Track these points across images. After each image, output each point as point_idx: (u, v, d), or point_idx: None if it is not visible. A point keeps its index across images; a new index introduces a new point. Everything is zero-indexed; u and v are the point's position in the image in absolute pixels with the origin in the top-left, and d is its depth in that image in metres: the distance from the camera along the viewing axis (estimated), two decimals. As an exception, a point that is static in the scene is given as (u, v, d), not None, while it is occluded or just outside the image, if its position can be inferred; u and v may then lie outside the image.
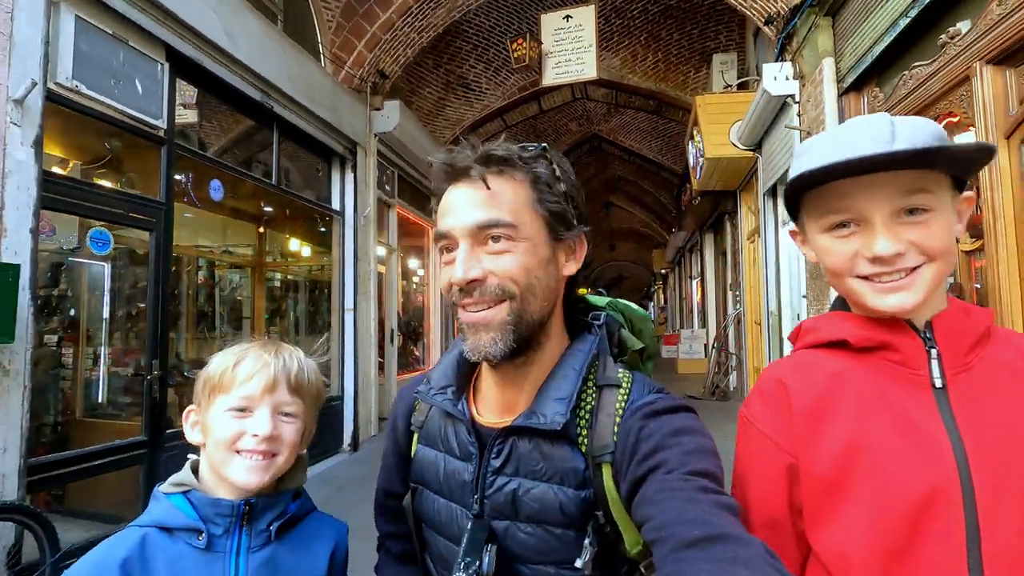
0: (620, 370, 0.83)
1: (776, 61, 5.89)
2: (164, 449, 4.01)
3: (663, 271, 24.00)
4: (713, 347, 10.34)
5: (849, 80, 4.86)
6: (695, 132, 8.25)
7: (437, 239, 0.81)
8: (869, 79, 4.69)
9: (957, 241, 0.77)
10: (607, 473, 0.76)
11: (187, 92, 4.52)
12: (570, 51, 7.15)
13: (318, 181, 6.75)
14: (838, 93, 5.06)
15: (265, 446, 0.87)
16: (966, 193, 0.77)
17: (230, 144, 5.46)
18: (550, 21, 7.21)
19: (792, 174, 0.77)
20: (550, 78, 7.22)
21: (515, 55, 7.18)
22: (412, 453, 0.93)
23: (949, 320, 0.77)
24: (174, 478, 0.91)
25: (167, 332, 4.11)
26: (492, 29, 8.85)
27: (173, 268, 4.32)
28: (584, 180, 16.90)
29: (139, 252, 4.29)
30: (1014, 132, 3.05)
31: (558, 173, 0.82)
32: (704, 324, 13.66)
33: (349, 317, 6.81)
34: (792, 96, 5.72)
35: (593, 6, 7.19)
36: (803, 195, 0.80)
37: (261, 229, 6.61)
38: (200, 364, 4.37)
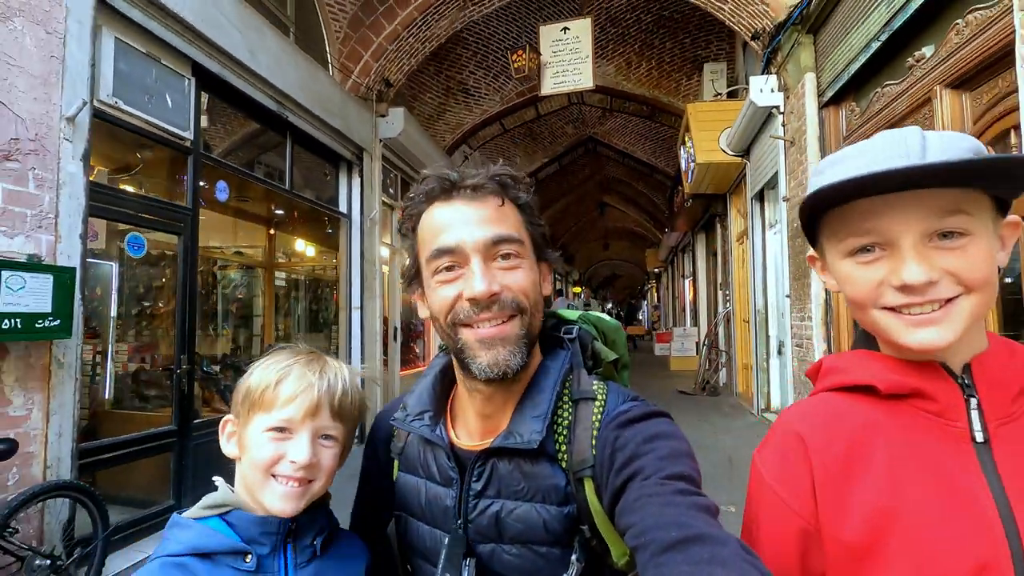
0: (595, 382, 0.83)
1: (762, 74, 6.24)
2: (192, 438, 4.31)
3: (656, 270, 24.39)
4: (704, 344, 10.71)
5: (829, 94, 5.21)
6: (687, 138, 8.60)
7: (435, 256, 0.78)
8: (847, 94, 5.05)
9: (1000, 271, 0.70)
10: (589, 487, 0.76)
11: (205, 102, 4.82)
12: (568, 61, 7.49)
13: (327, 185, 7.05)
14: (819, 106, 5.42)
15: (303, 473, 0.83)
16: (1011, 217, 0.68)
17: (239, 147, 5.76)
18: (548, 33, 7.55)
19: (811, 190, 0.69)
20: (549, 87, 7.55)
21: (515, 65, 7.51)
22: (394, 480, 0.92)
23: (992, 362, 0.68)
24: (207, 500, 0.86)
25: (194, 329, 4.41)
26: (491, 37, 9.16)
27: (200, 268, 4.62)
28: (579, 181, 17.25)
29: (166, 254, 4.59)
30: (968, 150, 3.40)
31: (535, 203, 0.85)
32: (696, 322, 14.05)
33: (356, 315, 7.13)
34: (777, 107, 6.08)
35: (590, 19, 7.53)
36: (823, 216, 0.71)
37: (272, 231, 6.90)
38: (215, 360, 4.68)
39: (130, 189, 4.25)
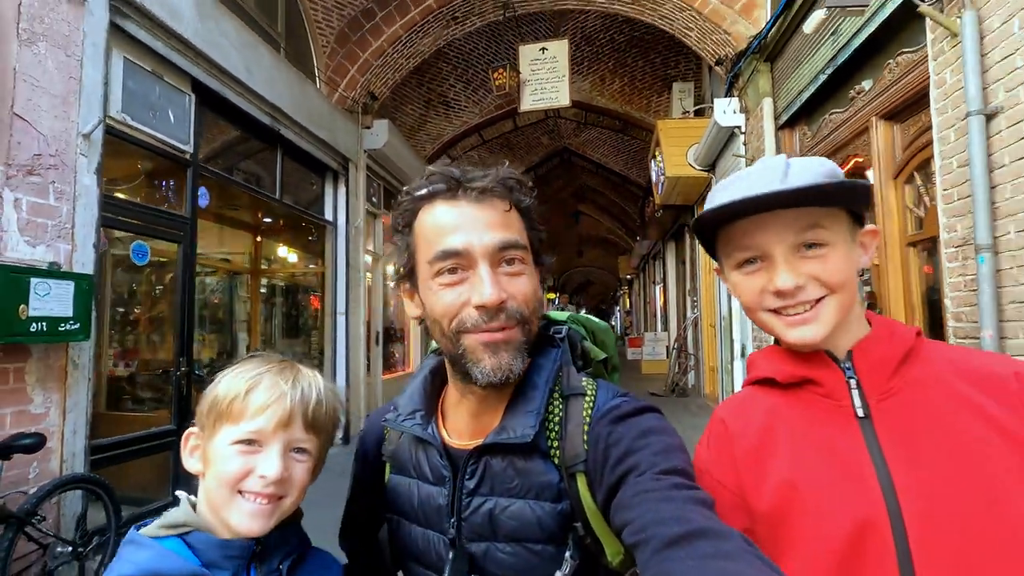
0: (584, 379, 0.84)
1: (725, 96, 6.73)
2: (190, 437, 4.52)
3: (629, 277, 25.00)
4: (673, 348, 11.20)
5: (784, 118, 5.70)
6: (657, 152, 9.08)
7: (440, 258, 0.76)
8: (800, 119, 5.54)
9: (862, 273, 0.95)
10: (582, 483, 0.76)
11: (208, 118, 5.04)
12: (545, 80, 7.90)
13: (314, 194, 7.29)
14: (775, 128, 5.91)
15: (273, 489, 0.78)
16: (869, 226, 0.80)
17: (233, 157, 5.97)
18: (528, 52, 7.95)
19: (698, 214, 0.81)
20: (527, 104, 7.94)
21: (496, 83, 7.88)
22: (386, 483, 0.91)
23: (871, 346, 0.78)
24: (167, 519, 0.80)
25: (192, 333, 4.62)
26: (472, 53, 9.52)
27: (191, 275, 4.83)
28: (555, 190, 17.70)
29: (162, 261, 4.78)
30: (899, 174, 3.88)
31: (535, 210, 0.85)
32: (666, 327, 14.58)
33: (341, 320, 7.36)
34: (739, 127, 6.56)
35: (566, 40, 7.96)
36: (716, 235, 0.84)
37: (259, 239, 7.10)
38: (203, 364, 4.89)
39: (135, 200, 4.45)
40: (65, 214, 3.35)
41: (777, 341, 0.86)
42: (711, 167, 8.15)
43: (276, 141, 6.10)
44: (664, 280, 14.64)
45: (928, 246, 3.62)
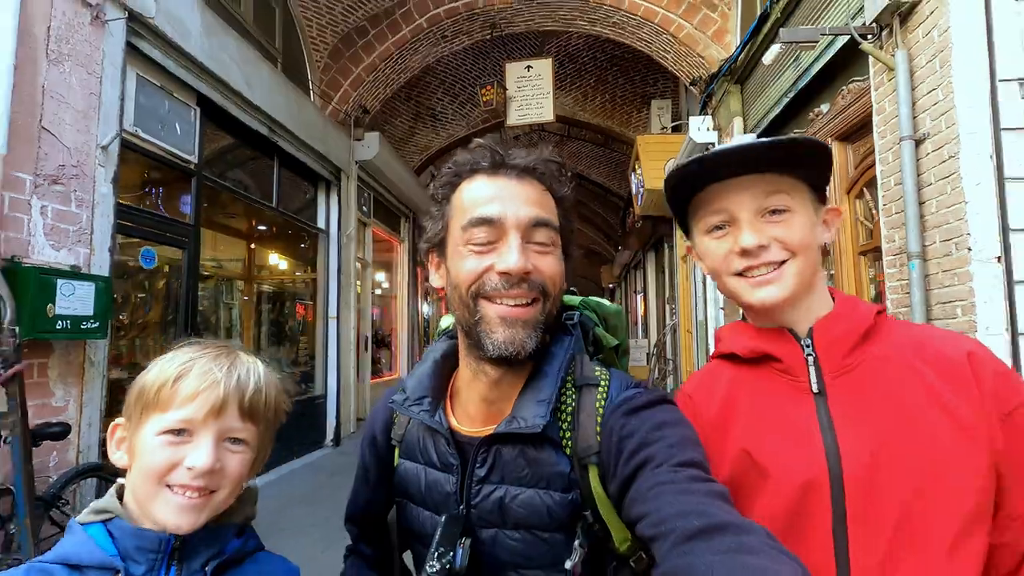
0: (597, 368, 0.84)
1: (700, 114, 7.16)
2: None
3: (611, 286, 25.43)
4: (653, 354, 11.59)
5: (753, 135, 6.13)
6: (637, 165, 9.50)
7: (474, 224, 0.78)
8: (767, 136, 5.96)
9: (827, 250, 1.05)
10: (594, 474, 0.76)
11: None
12: (531, 96, 8.28)
13: (307, 203, 7.54)
14: (746, 145, 6.33)
15: (202, 481, 0.73)
16: (832, 205, 0.87)
17: (233, 167, 6.22)
18: (514, 70, 8.33)
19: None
20: (513, 119, 8.31)
21: (484, 99, 8.24)
22: (395, 467, 0.91)
23: (828, 325, 0.82)
24: (95, 504, 0.76)
25: (198, 332, 4.84)
26: (459, 68, 9.88)
27: (186, 279, 5.06)
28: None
29: (169, 266, 5.01)
30: (851, 190, 4.29)
31: (572, 202, 0.86)
32: (647, 334, 14.98)
33: (333, 325, 7.59)
34: (712, 144, 6.98)
35: (551, 59, 8.37)
36: (687, 208, 0.89)
37: (253, 245, 7.32)
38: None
39: (144, 207, 4.68)
40: (85, 220, 3.59)
41: (744, 317, 0.92)
42: (687, 180, 8.59)
43: (273, 152, 6.37)
44: (645, 289, 15.05)
45: (877, 255, 4.02)
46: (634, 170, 9.80)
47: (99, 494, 3.78)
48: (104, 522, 0.74)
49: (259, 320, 6.97)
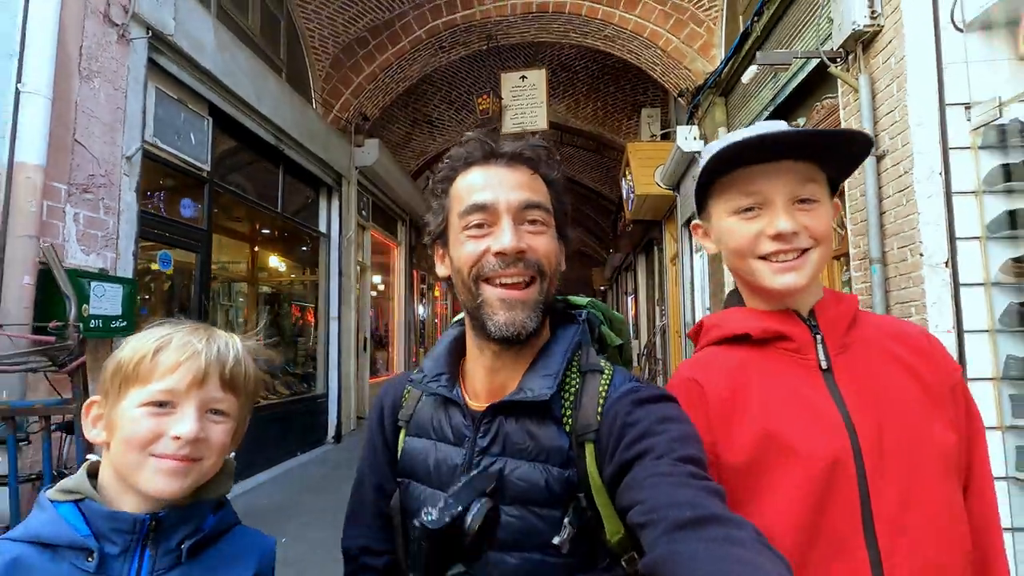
0: (602, 360, 0.87)
1: (687, 124, 7.48)
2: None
3: (602, 288, 25.78)
4: (643, 354, 11.91)
5: (737, 146, 6.45)
6: (627, 172, 9.82)
7: (469, 211, 0.82)
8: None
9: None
10: (590, 453, 0.78)
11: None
12: (525, 105, 8.60)
13: (309, 207, 7.80)
14: (730, 154, 6.65)
15: (188, 451, 0.73)
16: (835, 200, 0.90)
17: (242, 174, 6.47)
18: (508, 80, 8.65)
19: (705, 158, 0.84)
20: (508, 127, 8.62)
21: (480, 108, 8.55)
22: (399, 449, 0.93)
23: (828, 307, 0.88)
24: (65, 483, 0.75)
25: (209, 334, 5.09)
26: (455, 76, 10.17)
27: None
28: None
29: (183, 269, 5.25)
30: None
31: (563, 183, 0.90)
32: (638, 336, 15.32)
33: (334, 325, 7.85)
34: (699, 153, 7.30)
35: (544, 69, 8.69)
36: (713, 184, 0.89)
37: (256, 248, 7.57)
38: None
39: (162, 214, 4.93)
40: (111, 227, 3.84)
41: (730, 306, 0.97)
42: (676, 187, 8.92)
43: (279, 159, 6.63)
44: (636, 291, 15.39)
45: (847, 259, 4.35)
46: (625, 176, 10.13)
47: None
48: (75, 502, 0.73)
49: (264, 320, 7.20)
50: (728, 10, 6.73)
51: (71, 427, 2.46)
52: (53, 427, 2.41)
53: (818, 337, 0.86)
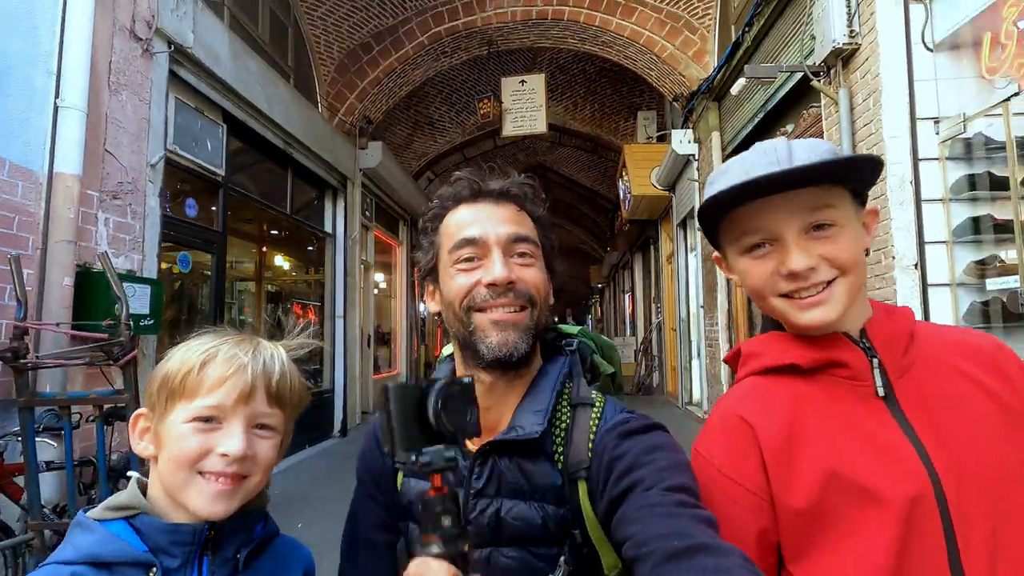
0: (594, 392, 0.87)
1: (682, 127, 7.74)
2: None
3: (600, 285, 26.05)
4: (639, 350, 12.19)
5: (729, 150, 6.72)
6: (624, 172, 10.08)
7: (459, 246, 0.84)
8: (742, 150, 6.54)
9: (867, 253, 0.81)
10: (583, 490, 0.78)
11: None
12: (525, 109, 8.85)
13: (316, 209, 8.04)
14: (723, 158, 6.91)
15: (235, 468, 0.73)
16: (870, 206, 0.82)
17: (253, 177, 6.71)
18: (509, 84, 8.89)
19: (704, 199, 0.80)
20: (508, 130, 8.87)
21: (481, 112, 8.80)
22: (398, 489, 0.91)
23: (881, 326, 0.79)
24: (112, 500, 0.75)
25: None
26: (456, 79, 10.40)
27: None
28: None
29: (200, 270, 5.49)
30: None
31: (548, 220, 0.93)
32: (634, 332, 15.60)
33: (340, 323, 8.09)
34: (693, 155, 7.57)
35: (543, 74, 8.93)
36: (720, 222, 0.83)
37: (265, 248, 7.81)
38: None
39: (181, 217, 5.17)
40: (138, 230, 4.08)
41: (767, 329, 0.87)
42: (671, 188, 9.19)
43: (287, 163, 6.87)
44: (632, 289, 15.66)
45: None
46: (622, 177, 10.39)
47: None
48: (126, 519, 0.73)
49: (272, 318, 7.44)
50: (721, 19, 6.98)
51: (122, 415, 2.70)
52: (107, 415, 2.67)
53: (874, 360, 0.77)
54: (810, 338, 0.79)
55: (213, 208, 5.42)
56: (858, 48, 3.63)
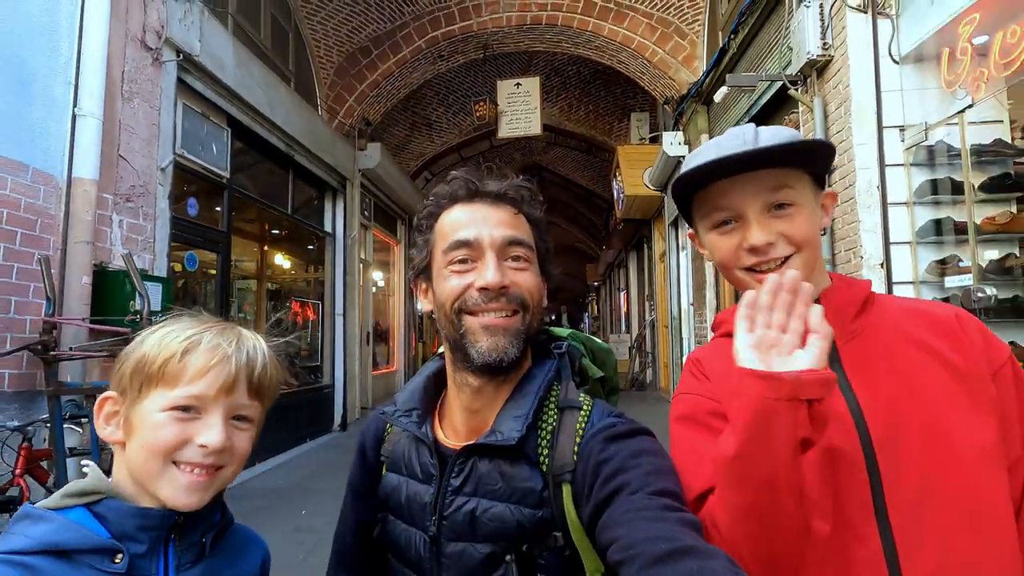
0: (582, 395, 0.87)
1: (673, 129, 7.95)
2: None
3: (595, 283, 26.29)
4: (634, 347, 12.42)
5: (717, 152, 6.92)
6: (618, 173, 10.29)
7: (453, 247, 0.83)
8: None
9: (824, 233, 1.12)
10: (567, 494, 0.78)
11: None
12: (520, 111, 9.05)
13: (316, 209, 8.24)
14: (711, 159, 7.12)
15: (213, 459, 0.71)
16: (829, 190, 0.90)
17: (255, 179, 6.90)
18: (504, 87, 9.09)
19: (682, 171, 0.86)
20: (504, 132, 9.07)
21: (478, 114, 9.00)
22: (381, 481, 0.93)
23: (834, 295, 0.87)
24: (71, 487, 0.71)
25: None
26: (453, 81, 10.60)
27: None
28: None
29: (205, 269, 5.69)
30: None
31: (545, 223, 0.93)
32: (629, 329, 15.83)
33: (339, 321, 8.30)
34: (682, 157, 7.77)
35: (538, 77, 9.15)
36: (693, 199, 0.90)
37: (267, 247, 8.01)
38: None
39: (188, 218, 5.37)
40: (149, 231, 4.28)
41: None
42: (663, 188, 9.40)
43: (289, 165, 7.07)
44: (627, 287, 15.89)
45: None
46: (615, 177, 10.60)
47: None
48: (87, 505, 0.70)
49: (273, 315, 7.64)
50: (710, 25, 7.20)
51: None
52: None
53: None
54: None
55: (218, 209, 5.62)
56: (831, 60, 3.85)
